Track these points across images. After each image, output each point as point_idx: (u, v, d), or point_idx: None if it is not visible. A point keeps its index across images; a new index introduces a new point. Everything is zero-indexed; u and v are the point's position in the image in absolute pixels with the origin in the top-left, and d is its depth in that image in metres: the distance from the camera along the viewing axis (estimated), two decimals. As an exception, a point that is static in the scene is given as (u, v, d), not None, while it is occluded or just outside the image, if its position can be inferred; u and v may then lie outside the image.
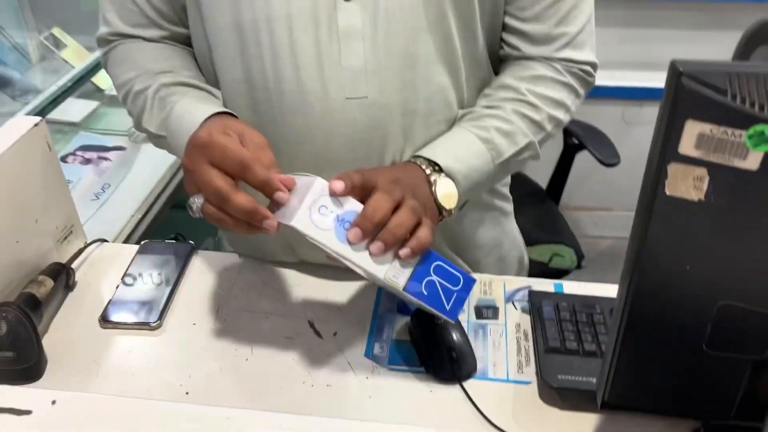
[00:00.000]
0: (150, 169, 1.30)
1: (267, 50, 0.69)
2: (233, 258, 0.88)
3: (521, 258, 1.00)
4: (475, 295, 0.83)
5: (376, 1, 0.67)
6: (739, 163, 0.43)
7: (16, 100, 1.34)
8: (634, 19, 2.04)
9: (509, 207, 0.95)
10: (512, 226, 0.97)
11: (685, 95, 0.42)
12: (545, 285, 0.84)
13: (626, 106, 2.21)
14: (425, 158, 0.71)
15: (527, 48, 0.75)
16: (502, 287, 0.84)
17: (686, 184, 0.45)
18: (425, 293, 0.65)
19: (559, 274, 1.48)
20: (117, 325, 0.78)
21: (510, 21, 0.75)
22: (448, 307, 0.66)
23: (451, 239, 0.80)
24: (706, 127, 0.43)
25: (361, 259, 0.62)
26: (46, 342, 0.76)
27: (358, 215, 0.60)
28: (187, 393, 0.70)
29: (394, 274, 0.63)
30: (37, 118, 0.80)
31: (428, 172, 0.70)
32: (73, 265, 0.85)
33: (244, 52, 0.70)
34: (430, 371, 0.72)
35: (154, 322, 0.78)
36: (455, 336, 0.74)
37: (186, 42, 0.80)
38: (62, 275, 0.81)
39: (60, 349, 0.75)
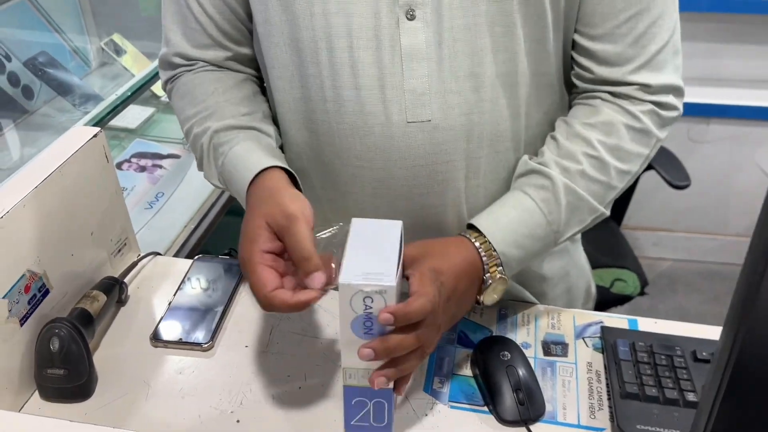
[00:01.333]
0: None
1: (326, 69, 0.65)
2: (288, 277, 0.85)
3: (588, 287, 0.94)
4: (543, 329, 0.78)
5: (440, 20, 0.63)
6: None
7: (76, 107, 1.35)
8: (700, 33, 1.95)
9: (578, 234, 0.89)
10: (580, 254, 0.91)
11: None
12: (618, 320, 0.78)
13: (692, 123, 2.11)
14: (488, 242, 0.65)
15: (598, 69, 0.68)
16: (571, 321, 0.79)
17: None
18: (352, 404, 0.63)
19: (621, 299, 1.41)
20: (168, 344, 0.76)
21: (579, 39, 0.68)
22: (352, 423, 0.64)
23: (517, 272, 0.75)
24: None
25: (349, 348, 0.59)
26: (97, 358, 0.74)
27: (380, 337, 0.57)
28: (238, 421, 0.67)
29: (352, 375, 0.61)
30: (96, 129, 0.78)
31: (487, 274, 0.65)
32: (126, 279, 0.83)
33: (303, 71, 0.67)
34: (495, 411, 0.67)
35: (206, 342, 0.75)
36: (522, 373, 0.69)
37: (250, 63, 0.78)
38: (115, 290, 0.79)
39: (110, 366, 0.73)
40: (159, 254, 0.91)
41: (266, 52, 0.70)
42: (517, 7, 0.62)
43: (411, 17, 0.62)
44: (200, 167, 0.74)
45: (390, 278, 0.56)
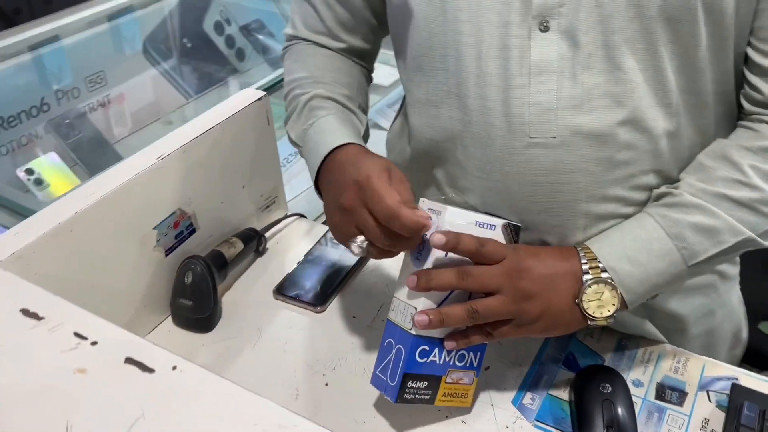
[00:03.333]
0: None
1: (453, 77, 0.64)
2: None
3: (738, 332, 0.83)
4: (663, 371, 0.70)
5: (576, 33, 0.58)
6: None
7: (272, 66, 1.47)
8: None
9: (733, 270, 0.79)
10: (732, 294, 0.80)
11: None
12: (758, 381, 0.68)
13: None
14: (592, 251, 0.61)
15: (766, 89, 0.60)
16: (699, 369, 0.70)
17: None
18: (389, 345, 0.62)
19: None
20: (287, 299, 0.81)
21: (753, 55, 0.60)
22: (380, 374, 0.63)
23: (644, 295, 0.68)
24: None
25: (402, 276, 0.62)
26: (226, 299, 0.82)
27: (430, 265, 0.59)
28: (326, 384, 0.71)
29: (409, 319, 0.60)
30: (261, 93, 0.85)
31: (585, 274, 0.60)
32: (268, 234, 0.90)
33: (431, 76, 0.67)
34: (580, 442, 0.63)
35: (320, 305, 0.80)
36: (620, 411, 0.63)
37: (363, 56, 0.80)
38: (254, 241, 0.86)
39: (235, 308, 0.81)
40: (304, 216, 0.97)
41: (399, 54, 0.72)
42: (661, 24, 0.56)
43: (544, 29, 0.59)
44: (287, 122, 0.77)
45: (453, 210, 0.59)
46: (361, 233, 0.60)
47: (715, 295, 0.76)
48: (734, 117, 0.65)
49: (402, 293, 0.62)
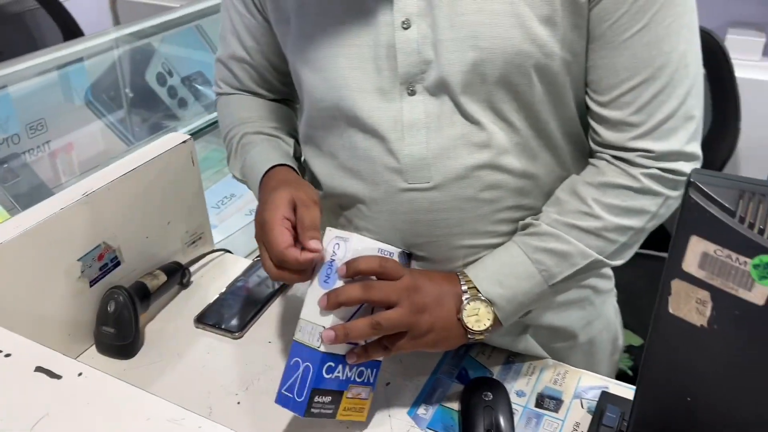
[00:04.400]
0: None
1: (345, 133, 0.73)
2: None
3: (615, 340, 0.93)
4: (543, 382, 0.78)
5: (437, 95, 0.67)
6: (744, 294, 0.37)
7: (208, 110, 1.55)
8: None
9: (606, 285, 0.88)
10: (607, 306, 0.90)
11: (691, 208, 0.38)
12: (626, 389, 0.76)
13: None
14: (469, 278, 0.70)
15: (604, 133, 0.69)
16: (576, 381, 0.78)
17: (689, 306, 0.40)
18: (296, 364, 0.67)
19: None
20: (207, 327, 0.87)
21: (590, 103, 0.70)
22: (286, 392, 0.67)
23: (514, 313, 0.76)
24: (710, 247, 0.38)
25: (309, 297, 0.68)
26: (150, 328, 0.87)
27: (335, 289, 0.66)
28: (238, 403, 0.76)
29: (317, 338, 0.66)
30: (186, 136, 0.93)
31: (464, 294, 0.70)
32: (193, 268, 0.96)
33: (329, 132, 0.76)
34: (464, 446, 0.70)
35: (237, 332, 0.86)
36: (500, 418, 0.70)
37: (285, 99, 0.90)
38: (178, 273, 0.92)
39: (157, 336, 0.86)
40: (229, 252, 1.03)
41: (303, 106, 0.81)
42: (502, 88, 0.66)
43: (411, 92, 0.68)
44: (228, 161, 0.86)
45: (358, 237, 0.67)
46: None
47: (591, 308, 0.85)
48: (587, 152, 0.75)
49: (309, 314, 0.68)
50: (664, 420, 0.45)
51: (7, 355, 0.56)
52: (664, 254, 0.46)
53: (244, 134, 0.82)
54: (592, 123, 0.70)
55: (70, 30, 2.16)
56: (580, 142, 0.73)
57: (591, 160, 0.72)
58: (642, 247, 0.74)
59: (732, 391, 0.40)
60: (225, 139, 0.86)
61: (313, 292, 0.69)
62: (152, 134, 1.64)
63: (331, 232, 0.69)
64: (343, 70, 0.69)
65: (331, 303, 0.65)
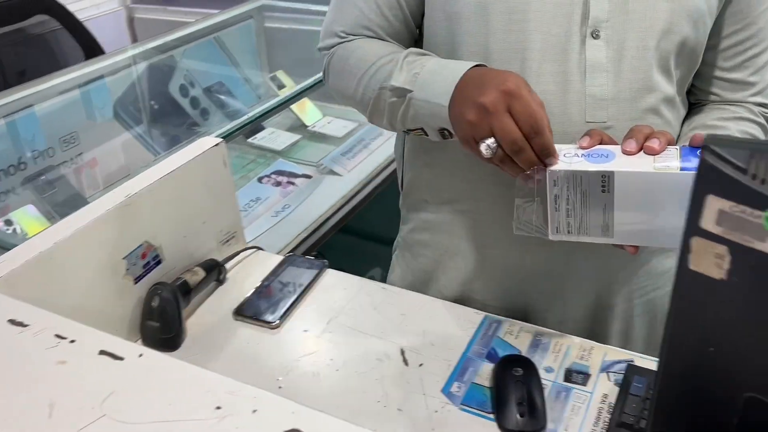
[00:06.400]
0: (325, 197, 1.46)
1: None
2: (354, 280, 0.97)
3: None
4: (571, 359, 0.81)
5: (618, 41, 0.75)
6: (759, 246, 0.40)
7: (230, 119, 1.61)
8: None
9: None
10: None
11: (707, 170, 0.42)
12: (651, 361, 0.79)
13: None
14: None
15: (727, 94, 0.84)
16: (602, 356, 0.81)
17: (708, 261, 0.43)
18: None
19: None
20: (245, 319, 0.91)
21: (714, 71, 0.84)
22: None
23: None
24: (726, 204, 0.41)
25: (622, 165, 0.68)
26: (192, 322, 0.92)
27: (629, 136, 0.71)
28: (280, 387, 0.80)
29: (663, 165, 0.67)
30: (218, 140, 0.97)
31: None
32: (228, 264, 1.00)
33: None
34: (497, 419, 0.73)
35: (274, 322, 0.90)
36: (529, 389, 0.74)
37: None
38: (215, 270, 0.96)
39: (199, 329, 0.90)
40: (261, 249, 1.08)
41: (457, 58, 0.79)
42: (675, 49, 0.77)
43: (596, 37, 0.75)
44: (388, 80, 0.79)
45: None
46: (493, 136, 0.67)
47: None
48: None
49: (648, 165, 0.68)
50: (689, 373, 0.48)
51: (72, 341, 0.60)
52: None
53: (410, 53, 0.79)
54: (712, 88, 0.84)
55: (92, 48, 2.23)
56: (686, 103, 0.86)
57: (711, 107, 0.85)
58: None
59: (752, 338, 0.43)
60: (367, 72, 0.81)
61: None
62: (177, 144, 1.69)
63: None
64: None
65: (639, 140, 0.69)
